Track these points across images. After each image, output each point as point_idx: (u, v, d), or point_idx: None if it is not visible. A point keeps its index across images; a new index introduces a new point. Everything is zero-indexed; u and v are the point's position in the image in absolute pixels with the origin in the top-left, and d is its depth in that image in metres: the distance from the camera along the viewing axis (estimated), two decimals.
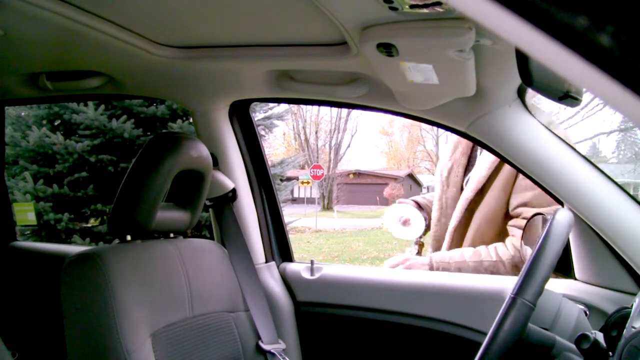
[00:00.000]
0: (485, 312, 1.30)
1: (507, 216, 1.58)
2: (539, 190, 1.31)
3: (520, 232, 1.44)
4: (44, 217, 4.67)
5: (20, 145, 4.88)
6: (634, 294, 1.17)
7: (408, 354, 1.47)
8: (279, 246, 1.66)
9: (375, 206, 23.03)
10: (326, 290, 1.54)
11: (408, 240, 1.79)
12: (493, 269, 1.52)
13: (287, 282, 1.58)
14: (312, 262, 1.58)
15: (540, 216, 1.32)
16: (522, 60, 0.96)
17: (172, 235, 1.29)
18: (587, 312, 1.13)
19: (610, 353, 0.94)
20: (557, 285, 1.33)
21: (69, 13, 1.03)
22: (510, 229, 1.56)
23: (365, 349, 1.51)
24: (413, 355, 1.47)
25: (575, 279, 1.37)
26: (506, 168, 1.55)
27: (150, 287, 1.13)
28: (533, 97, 1.33)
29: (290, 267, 1.62)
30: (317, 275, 1.55)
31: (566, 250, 1.34)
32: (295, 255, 1.71)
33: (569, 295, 1.22)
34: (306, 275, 1.57)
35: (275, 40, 1.17)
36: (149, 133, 4.97)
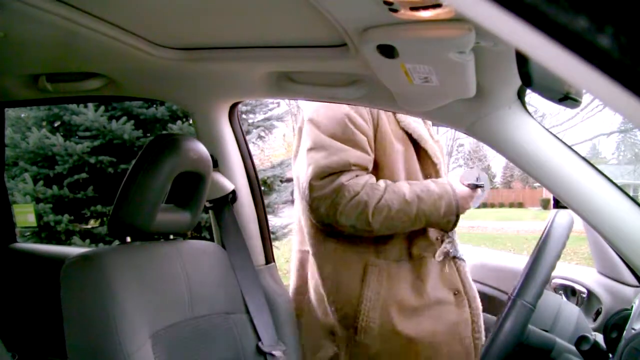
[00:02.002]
0: None
1: None
2: None
3: None
4: (44, 218, 4.65)
5: (20, 146, 4.86)
6: None
7: None
8: None
9: None
10: None
11: None
12: None
13: None
14: None
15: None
16: (522, 61, 0.96)
17: (172, 236, 1.29)
18: (585, 296, 1.14)
19: (610, 354, 0.94)
20: (572, 272, 1.37)
21: (69, 15, 1.03)
22: None
23: None
24: None
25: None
26: None
27: (150, 289, 1.13)
28: None
29: None
30: None
31: None
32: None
33: (579, 282, 1.25)
34: None
35: (275, 41, 1.17)
36: (149, 134, 4.96)
